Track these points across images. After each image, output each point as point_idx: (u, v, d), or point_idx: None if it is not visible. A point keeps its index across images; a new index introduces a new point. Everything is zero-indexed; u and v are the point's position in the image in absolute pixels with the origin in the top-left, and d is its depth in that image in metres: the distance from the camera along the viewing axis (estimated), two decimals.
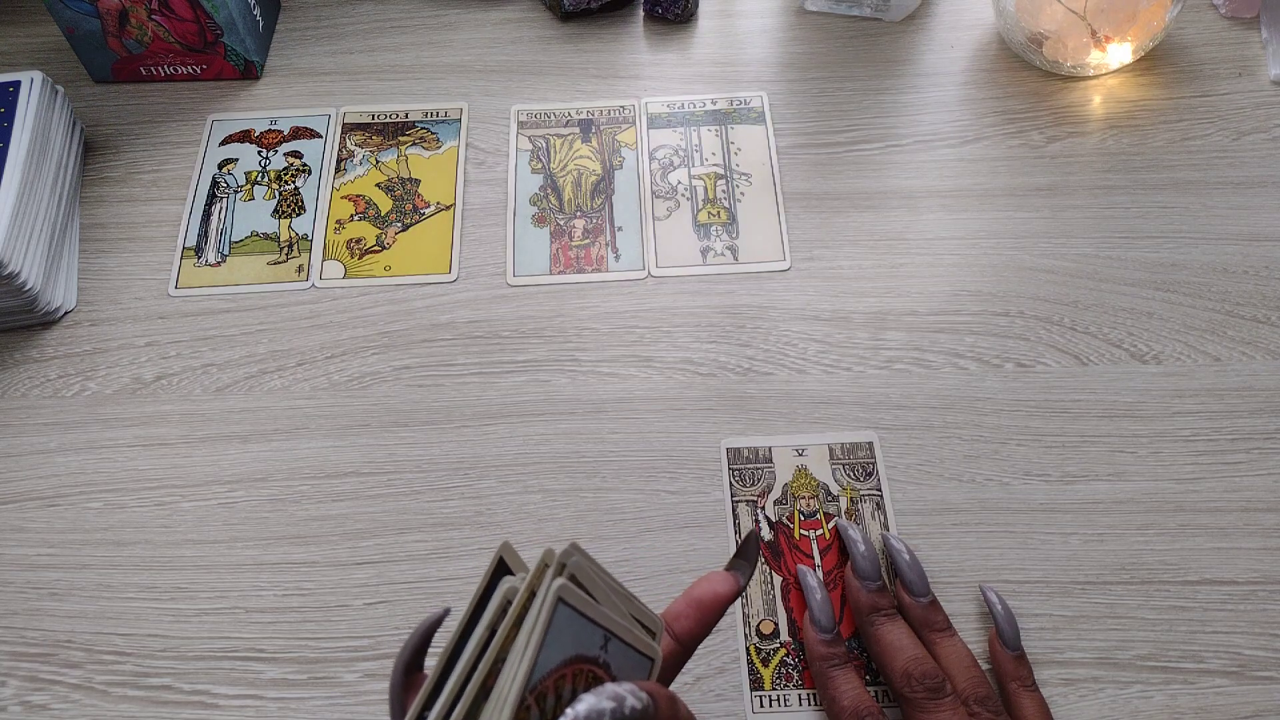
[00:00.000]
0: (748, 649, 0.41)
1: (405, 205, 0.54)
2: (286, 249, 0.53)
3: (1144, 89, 0.58)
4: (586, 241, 0.53)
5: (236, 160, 0.56)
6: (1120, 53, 0.56)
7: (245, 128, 0.57)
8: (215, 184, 0.55)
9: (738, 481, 0.43)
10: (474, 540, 0.44)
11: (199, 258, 0.53)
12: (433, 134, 0.57)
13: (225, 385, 0.49)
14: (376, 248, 0.53)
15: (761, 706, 0.40)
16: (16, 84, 0.52)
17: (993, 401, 0.47)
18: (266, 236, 0.53)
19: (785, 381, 0.48)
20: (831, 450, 0.44)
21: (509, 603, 0.25)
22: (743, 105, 0.58)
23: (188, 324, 0.51)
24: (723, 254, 0.52)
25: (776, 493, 0.44)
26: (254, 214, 0.54)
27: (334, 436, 0.47)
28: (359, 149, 0.56)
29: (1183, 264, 0.51)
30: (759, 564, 0.42)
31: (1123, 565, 0.43)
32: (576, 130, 0.57)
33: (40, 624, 0.43)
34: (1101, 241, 0.52)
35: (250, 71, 0.59)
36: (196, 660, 0.42)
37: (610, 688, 0.24)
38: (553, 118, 0.57)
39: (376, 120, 0.58)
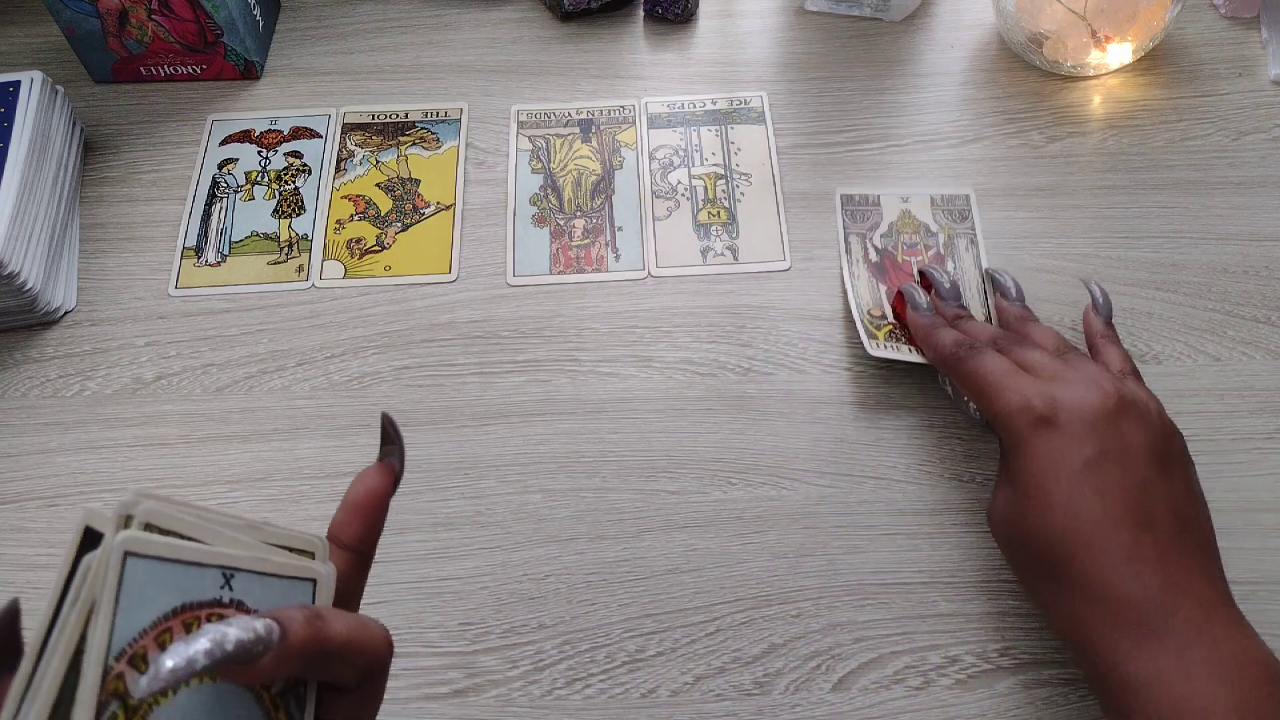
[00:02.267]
0: (861, 321, 0.47)
1: (405, 205, 0.54)
2: (286, 249, 0.53)
3: (1144, 89, 0.58)
4: (586, 241, 0.53)
5: (236, 160, 0.56)
6: (1120, 53, 0.56)
7: (245, 128, 0.57)
8: (215, 184, 0.55)
9: (850, 219, 0.52)
10: (474, 540, 0.44)
11: (199, 258, 0.53)
12: (433, 134, 0.57)
13: (225, 385, 0.49)
14: (376, 248, 0.53)
15: (875, 349, 0.46)
16: (16, 84, 0.52)
17: None
18: (266, 236, 0.53)
19: (785, 381, 0.48)
20: (932, 199, 0.53)
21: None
22: (743, 105, 0.58)
23: (188, 324, 0.51)
24: (723, 254, 0.52)
25: (884, 228, 0.52)
26: (254, 214, 0.54)
27: (334, 436, 0.47)
28: (359, 149, 0.56)
29: (1183, 264, 0.51)
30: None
31: None
32: (576, 130, 0.57)
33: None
34: (1101, 241, 0.52)
35: (250, 71, 0.59)
36: None
37: (209, 627, 0.22)
38: (553, 118, 0.57)
39: (376, 120, 0.58)
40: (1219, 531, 0.43)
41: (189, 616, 0.23)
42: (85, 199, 0.55)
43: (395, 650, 0.42)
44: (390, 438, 0.32)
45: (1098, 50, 0.56)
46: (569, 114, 0.58)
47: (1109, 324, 0.44)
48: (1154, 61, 0.58)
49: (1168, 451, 0.37)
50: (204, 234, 0.54)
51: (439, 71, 0.60)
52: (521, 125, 0.57)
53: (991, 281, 0.49)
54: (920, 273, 0.49)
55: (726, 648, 0.41)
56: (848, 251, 0.50)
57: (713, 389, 0.48)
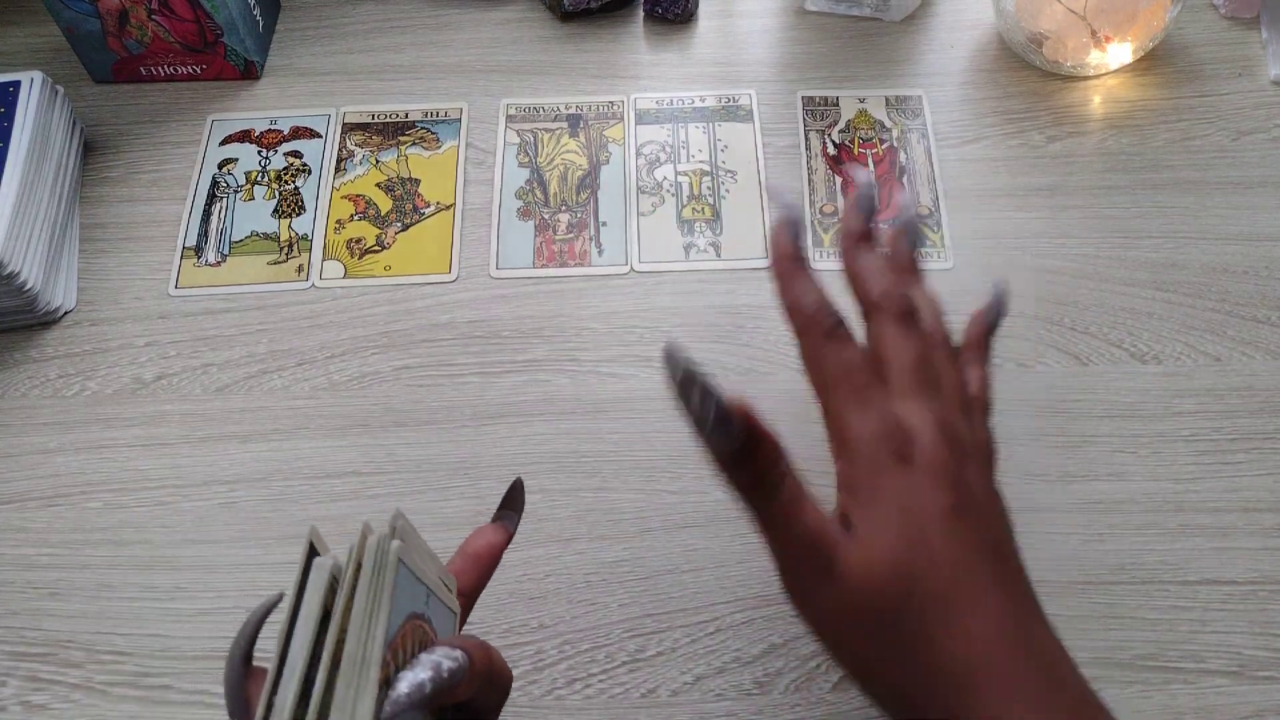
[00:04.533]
0: (812, 222, 0.52)
1: (405, 205, 0.54)
2: (286, 249, 0.53)
3: (1144, 89, 0.58)
4: (570, 236, 0.53)
5: (236, 160, 0.56)
6: (1120, 53, 0.56)
7: (245, 128, 0.57)
8: (215, 184, 0.55)
9: (810, 118, 0.56)
10: None
11: (199, 258, 0.53)
12: (433, 134, 0.57)
13: (225, 385, 0.49)
14: (376, 248, 0.53)
15: (820, 258, 0.51)
16: (16, 84, 0.52)
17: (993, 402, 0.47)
18: (266, 236, 0.53)
19: (786, 381, 0.48)
20: (887, 99, 0.57)
21: (335, 580, 0.25)
22: (732, 103, 0.57)
23: (188, 324, 0.51)
24: (705, 250, 0.52)
25: (841, 125, 0.56)
26: (254, 214, 0.54)
27: (334, 436, 0.47)
28: (359, 149, 0.56)
29: (1183, 264, 0.51)
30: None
31: (1123, 565, 0.43)
32: (565, 125, 0.57)
33: (40, 624, 0.43)
34: (1101, 241, 0.52)
35: (250, 71, 0.59)
36: (196, 660, 0.42)
37: (424, 657, 0.25)
38: (541, 112, 0.57)
39: (376, 120, 0.58)
40: (1220, 531, 0.44)
41: (414, 625, 0.26)
42: (85, 199, 0.55)
43: None
44: (512, 503, 0.35)
45: (1098, 50, 0.56)
46: (557, 108, 0.57)
47: (988, 334, 0.37)
48: (1154, 61, 0.58)
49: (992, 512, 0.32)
50: (204, 234, 0.54)
51: (439, 71, 0.60)
52: (510, 119, 0.57)
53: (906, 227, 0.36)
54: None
55: (726, 647, 0.41)
56: (807, 147, 0.54)
57: None
